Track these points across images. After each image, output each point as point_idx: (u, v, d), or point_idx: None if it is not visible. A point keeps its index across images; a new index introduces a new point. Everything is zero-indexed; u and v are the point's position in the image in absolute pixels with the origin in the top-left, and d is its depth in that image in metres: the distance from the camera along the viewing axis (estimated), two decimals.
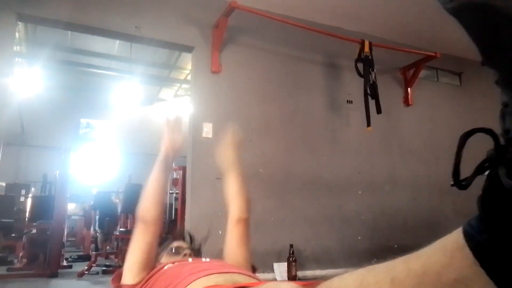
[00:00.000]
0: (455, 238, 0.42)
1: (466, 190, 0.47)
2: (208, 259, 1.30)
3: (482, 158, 0.44)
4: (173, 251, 1.41)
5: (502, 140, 0.42)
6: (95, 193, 6.89)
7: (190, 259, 1.34)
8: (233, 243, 1.40)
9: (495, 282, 0.37)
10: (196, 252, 1.47)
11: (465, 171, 0.46)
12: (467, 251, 0.39)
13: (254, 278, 1.04)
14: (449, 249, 0.41)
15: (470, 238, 0.40)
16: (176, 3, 3.68)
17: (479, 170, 0.45)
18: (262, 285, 0.77)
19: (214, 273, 0.94)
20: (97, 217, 6.36)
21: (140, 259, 1.19)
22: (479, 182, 0.44)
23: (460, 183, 0.46)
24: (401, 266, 0.44)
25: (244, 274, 1.03)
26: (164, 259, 1.39)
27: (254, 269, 1.39)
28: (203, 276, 0.89)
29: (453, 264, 0.40)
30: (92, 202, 6.86)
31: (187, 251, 1.41)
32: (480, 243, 0.39)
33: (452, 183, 0.47)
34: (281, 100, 3.90)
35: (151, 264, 1.23)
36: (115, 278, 1.26)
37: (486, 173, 0.43)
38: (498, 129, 0.43)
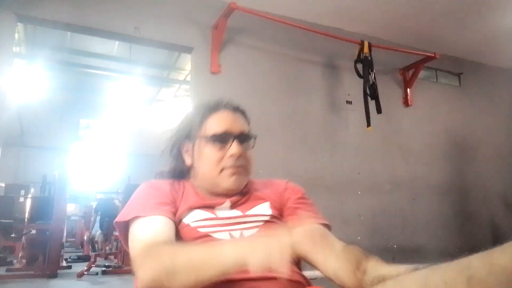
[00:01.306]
0: None
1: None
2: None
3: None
4: (214, 140, 1.00)
5: None
6: (98, 198, 6.88)
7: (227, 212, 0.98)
8: None
9: None
10: (245, 147, 1.04)
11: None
12: None
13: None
14: None
15: None
16: (176, 4, 3.68)
17: None
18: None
19: None
20: (97, 218, 6.36)
21: None
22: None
23: None
24: (479, 263, 0.39)
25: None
26: (199, 154, 1.02)
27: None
28: None
29: None
30: (94, 205, 6.86)
31: (236, 149, 0.99)
32: None
33: None
34: (281, 101, 3.90)
35: None
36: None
37: None
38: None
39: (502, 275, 0.35)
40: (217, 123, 1.02)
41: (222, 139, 1.00)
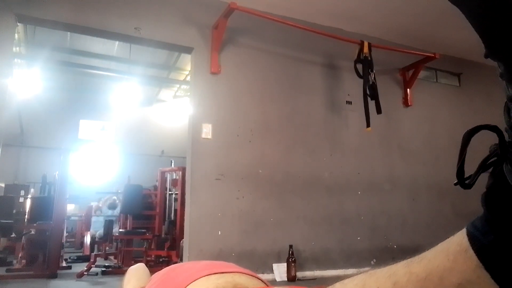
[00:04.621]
0: (459, 240, 0.40)
1: (469, 189, 0.45)
2: None
3: (485, 155, 0.42)
4: None
5: (506, 136, 0.40)
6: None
7: None
8: None
9: (500, 286, 0.36)
10: None
11: (467, 171, 0.45)
12: (471, 254, 0.37)
13: (256, 278, 0.98)
14: (452, 252, 0.39)
15: (474, 240, 0.38)
16: (176, 4, 3.68)
17: (482, 167, 0.42)
18: None
19: (215, 273, 0.87)
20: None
21: None
22: (483, 181, 0.43)
23: (464, 182, 0.45)
24: (403, 270, 0.42)
25: (246, 274, 0.97)
26: None
27: None
28: (204, 276, 0.79)
29: (456, 267, 0.38)
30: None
31: None
32: (484, 245, 0.37)
33: (455, 182, 0.45)
34: (281, 101, 3.90)
35: None
36: None
37: (490, 170, 0.42)
38: (502, 125, 0.41)
39: (416, 283, 0.40)
40: None
41: None
